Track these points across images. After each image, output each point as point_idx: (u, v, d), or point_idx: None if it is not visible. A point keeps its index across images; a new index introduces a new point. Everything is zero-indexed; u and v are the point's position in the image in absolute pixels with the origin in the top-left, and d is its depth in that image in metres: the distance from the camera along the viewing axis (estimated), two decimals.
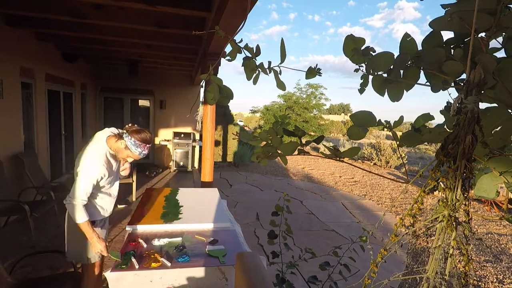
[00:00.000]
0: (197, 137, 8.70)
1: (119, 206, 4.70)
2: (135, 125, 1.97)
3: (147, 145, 1.93)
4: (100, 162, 1.85)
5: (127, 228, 2.27)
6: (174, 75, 8.24)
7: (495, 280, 3.52)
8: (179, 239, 2.10)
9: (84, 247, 1.97)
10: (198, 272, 1.76)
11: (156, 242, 2.02)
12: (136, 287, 1.67)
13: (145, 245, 1.98)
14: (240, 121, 33.59)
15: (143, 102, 8.62)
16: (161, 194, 3.07)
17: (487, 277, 3.59)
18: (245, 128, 22.79)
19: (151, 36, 4.28)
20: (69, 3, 3.31)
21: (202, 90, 8.38)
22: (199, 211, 2.64)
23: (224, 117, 10.02)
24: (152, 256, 1.83)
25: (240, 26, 0.98)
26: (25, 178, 4.24)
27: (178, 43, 4.41)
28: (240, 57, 0.83)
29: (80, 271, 2.17)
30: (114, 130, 2.00)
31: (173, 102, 8.44)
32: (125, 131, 1.91)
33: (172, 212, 2.58)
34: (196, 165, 8.62)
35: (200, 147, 7.33)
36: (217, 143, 9.54)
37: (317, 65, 0.79)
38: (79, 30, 4.07)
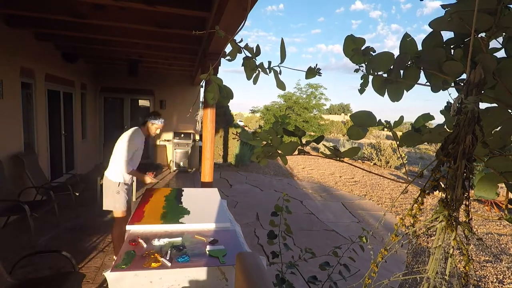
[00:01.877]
0: (197, 137, 8.70)
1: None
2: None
3: (161, 117, 3.18)
4: (134, 140, 2.95)
5: (127, 228, 2.27)
6: (174, 75, 8.25)
7: (495, 280, 3.52)
8: (179, 239, 2.10)
9: (113, 200, 2.91)
10: (198, 272, 1.76)
11: (156, 242, 2.02)
12: (136, 287, 1.67)
13: (145, 245, 1.98)
14: (240, 121, 33.62)
15: (143, 102, 8.62)
16: (161, 194, 3.07)
17: (487, 277, 3.59)
18: (245, 128, 22.81)
19: (151, 36, 4.28)
20: (69, 3, 3.31)
21: (202, 90, 8.40)
22: (199, 211, 2.64)
23: (224, 117, 10.02)
24: (152, 256, 1.83)
25: (240, 26, 0.98)
26: (25, 178, 4.24)
27: (178, 43, 4.41)
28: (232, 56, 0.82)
29: (80, 271, 2.18)
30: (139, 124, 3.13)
31: (173, 102, 8.44)
32: (146, 118, 3.08)
33: (173, 213, 2.58)
34: (196, 165, 8.63)
35: (200, 147, 7.34)
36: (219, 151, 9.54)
37: (316, 65, 0.79)
38: (79, 30, 4.07)
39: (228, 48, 0.82)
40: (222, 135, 9.88)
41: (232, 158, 9.84)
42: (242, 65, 0.81)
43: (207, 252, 1.93)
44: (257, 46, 0.80)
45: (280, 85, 0.87)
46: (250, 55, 0.81)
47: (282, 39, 0.79)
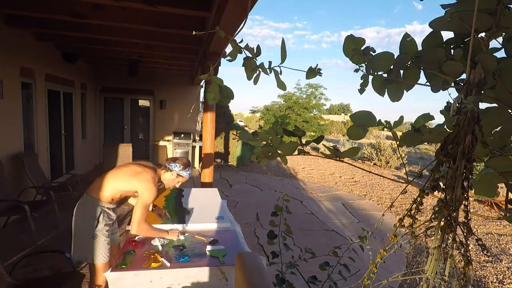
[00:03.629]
0: (197, 137, 8.70)
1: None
2: (172, 157, 2.26)
3: (190, 167, 2.28)
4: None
5: (127, 228, 2.26)
6: (174, 75, 8.25)
7: (495, 280, 3.51)
8: (179, 238, 2.10)
9: (90, 248, 1.99)
10: (198, 272, 1.76)
11: (156, 242, 2.02)
12: (136, 287, 1.67)
13: (145, 245, 1.98)
14: (240, 121, 33.62)
15: (143, 102, 8.62)
16: (161, 194, 3.07)
17: (487, 277, 3.58)
18: (246, 128, 22.82)
19: (151, 36, 4.28)
20: (69, 3, 3.31)
21: (202, 90, 8.40)
22: (199, 211, 2.64)
23: (224, 117, 10.02)
24: (152, 256, 1.83)
25: (241, 26, 0.98)
26: (25, 178, 4.24)
27: (178, 43, 4.41)
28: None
29: (80, 270, 2.18)
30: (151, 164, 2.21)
31: (173, 102, 8.44)
32: (170, 162, 2.18)
33: (173, 213, 2.58)
34: (196, 165, 8.62)
35: (200, 147, 7.34)
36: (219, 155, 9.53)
37: (317, 65, 0.79)
38: (79, 30, 4.07)
39: (229, 48, 0.83)
40: (223, 136, 9.88)
41: (233, 159, 9.83)
42: (242, 66, 0.81)
43: (207, 252, 1.92)
44: (258, 46, 0.81)
45: (281, 85, 0.87)
46: (250, 55, 0.81)
47: (282, 39, 0.79)
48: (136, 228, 1.93)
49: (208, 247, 1.98)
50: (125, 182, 1.99)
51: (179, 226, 2.30)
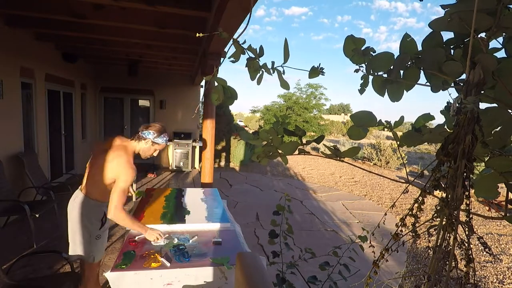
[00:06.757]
0: (197, 137, 8.70)
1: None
2: (145, 125, 2.17)
3: (166, 133, 2.17)
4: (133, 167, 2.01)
5: (127, 228, 2.27)
6: (174, 75, 8.25)
7: (495, 280, 3.52)
8: (180, 238, 2.10)
9: (94, 248, 2.07)
10: (198, 272, 1.76)
11: (156, 242, 2.02)
12: (136, 285, 1.67)
13: (145, 245, 1.99)
14: (240, 121, 33.62)
15: (143, 102, 8.63)
16: (161, 194, 3.07)
17: (487, 277, 3.59)
18: (246, 128, 22.82)
19: (151, 36, 4.28)
20: (69, 3, 3.31)
21: (202, 90, 8.40)
22: (199, 211, 2.64)
23: (224, 117, 10.02)
24: (152, 256, 1.83)
25: (244, 28, 0.98)
26: (25, 178, 4.24)
27: (178, 43, 4.41)
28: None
29: (78, 271, 2.19)
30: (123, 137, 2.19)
31: (173, 102, 8.44)
32: (143, 130, 2.10)
33: (173, 213, 2.58)
34: (196, 165, 8.63)
35: (200, 147, 7.34)
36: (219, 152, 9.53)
37: (320, 64, 0.79)
38: (79, 30, 4.08)
39: (228, 47, 0.83)
40: (223, 136, 9.88)
41: (233, 160, 9.82)
42: (246, 66, 0.81)
43: (211, 261, 1.88)
44: (261, 47, 0.81)
45: (284, 84, 0.87)
46: (253, 56, 0.81)
47: (285, 40, 0.79)
48: (113, 213, 1.89)
49: (211, 256, 1.92)
50: (111, 175, 1.98)
51: (179, 226, 2.30)
